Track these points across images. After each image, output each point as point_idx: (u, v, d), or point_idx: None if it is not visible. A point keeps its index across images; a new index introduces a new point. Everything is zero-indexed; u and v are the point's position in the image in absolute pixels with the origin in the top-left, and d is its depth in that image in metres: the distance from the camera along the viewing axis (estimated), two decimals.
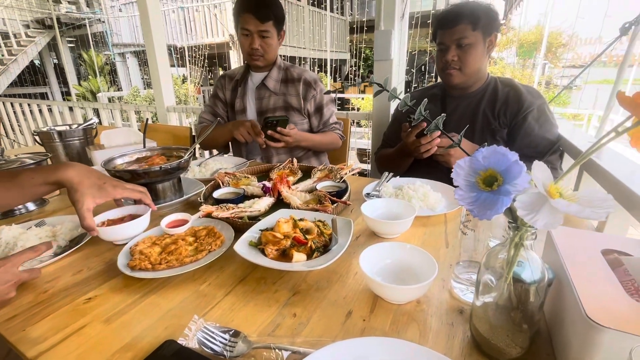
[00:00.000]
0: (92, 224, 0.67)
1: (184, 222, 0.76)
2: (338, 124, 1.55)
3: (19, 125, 4.34)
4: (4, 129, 4.26)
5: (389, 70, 1.82)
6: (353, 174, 1.10)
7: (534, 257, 0.39)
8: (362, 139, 4.87)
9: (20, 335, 0.50)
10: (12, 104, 4.25)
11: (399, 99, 0.45)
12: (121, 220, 0.78)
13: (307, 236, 0.66)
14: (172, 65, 7.90)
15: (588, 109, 5.09)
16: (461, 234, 0.55)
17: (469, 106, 1.20)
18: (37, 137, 1.33)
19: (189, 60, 7.99)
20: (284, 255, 0.63)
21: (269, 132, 1.26)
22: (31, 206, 0.98)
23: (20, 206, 0.96)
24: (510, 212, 0.37)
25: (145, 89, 8.89)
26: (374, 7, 1.88)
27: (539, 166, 0.34)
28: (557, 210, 0.31)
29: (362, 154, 3.98)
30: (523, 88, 1.16)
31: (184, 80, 8.35)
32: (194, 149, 1.01)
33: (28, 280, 0.60)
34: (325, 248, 0.65)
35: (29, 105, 4.05)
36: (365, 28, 6.06)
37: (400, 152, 1.20)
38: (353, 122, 2.84)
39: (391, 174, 1.07)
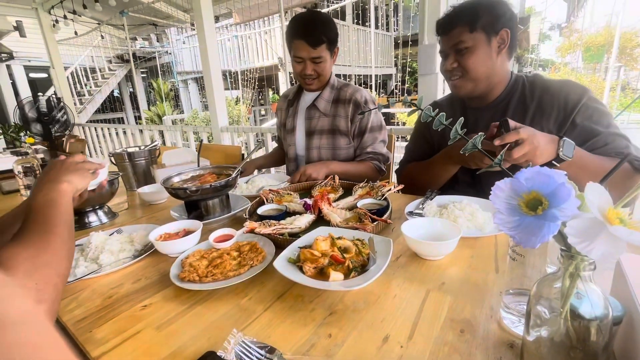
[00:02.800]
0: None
1: (229, 237, 0.80)
2: (379, 155, 1.42)
3: (100, 147, 4.98)
4: (88, 150, 4.91)
5: (434, 84, 1.78)
6: (396, 192, 1.08)
7: (594, 290, 0.35)
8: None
9: (87, 335, 0.56)
10: (95, 128, 4.92)
11: (432, 117, 0.44)
12: (176, 234, 0.86)
13: (345, 255, 0.66)
14: (227, 89, 8.54)
15: None
16: (510, 260, 0.51)
17: (492, 119, 1.03)
18: (112, 158, 1.52)
19: (242, 83, 8.58)
20: (322, 274, 0.63)
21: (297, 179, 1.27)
22: (104, 218, 1.11)
23: (94, 218, 1.10)
24: (562, 239, 0.34)
25: (203, 111, 9.71)
26: (418, 22, 1.86)
27: (594, 188, 0.30)
28: (618, 238, 0.28)
29: None
30: (556, 84, 0.99)
31: (237, 101, 8.95)
32: (242, 168, 1.07)
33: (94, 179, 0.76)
34: (363, 268, 0.65)
35: (108, 129, 4.64)
36: (410, 42, 6.01)
37: (445, 162, 1.07)
38: (399, 138, 2.79)
39: (435, 191, 1.03)
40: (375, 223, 0.84)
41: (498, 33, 0.97)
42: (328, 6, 7.09)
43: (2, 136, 5.16)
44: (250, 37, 8.44)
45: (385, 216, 0.89)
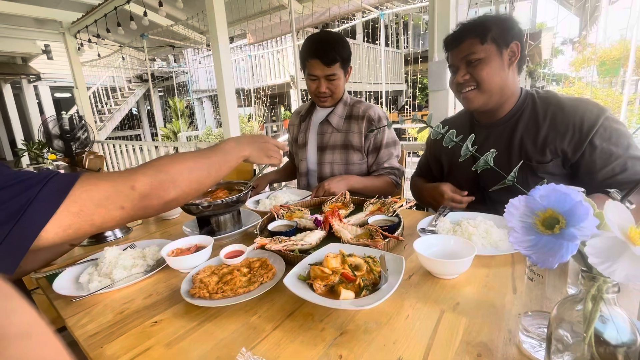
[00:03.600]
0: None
1: (240, 253, 0.80)
2: (395, 169, 1.44)
3: (117, 163, 5.13)
4: (106, 166, 5.07)
5: (445, 100, 1.78)
6: (407, 208, 1.06)
7: (619, 314, 0.33)
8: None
9: (98, 351, 0.56)
10: (113, 145, 5.08)
11: (442, 134, 0.44)
12: (188, 250, 0.86)
13: (355, 273, 0.65)
14: (240, 106, 8.77)
15: None
16: (528, 280, 0.49)
17: (502, 136, 1.03)
18: None
19: (254, 100, 8.78)
20: (332, 292, 0.62)
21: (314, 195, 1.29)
22: (118, 233, 1.13)
23: (109, 233, 1.12)
24: (582, 259, 0.32)
25: (217, 127, 9.94)
26: (428, 39, 1.88)
27: (613, 206, 0.29)
28: None
29: None
30: (572, 102, 0.95)
31: (249, 118, 9.14)
32: (254, 183, 1.08)
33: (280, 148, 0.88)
34: (374, 286, 0.63)
35: (125, 145, 4.80)
36: (420, 59, 6.08)
37: (428, 194, 1.12)
38: (410, 153, 2.78)
39: (448, 208, 1.01)
40: (386, 240, 0.82)
41: (509, 45, 0.97)
42: (339, 26, 7.27)
43: (26, 152, 5.39)
44: (263, 57, 8.70)
45: (397, 233, 0.87)
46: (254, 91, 8.86)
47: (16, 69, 8.33)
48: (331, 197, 1.20)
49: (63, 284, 0.79)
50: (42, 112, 8.93)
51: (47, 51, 7.79)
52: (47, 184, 0.48)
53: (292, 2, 3.57)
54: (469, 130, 1.13)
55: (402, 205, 1.03)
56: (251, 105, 8.99)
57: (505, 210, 0.33)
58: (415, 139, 6.58)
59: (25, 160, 6.58)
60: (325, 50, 1.31)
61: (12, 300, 0.23)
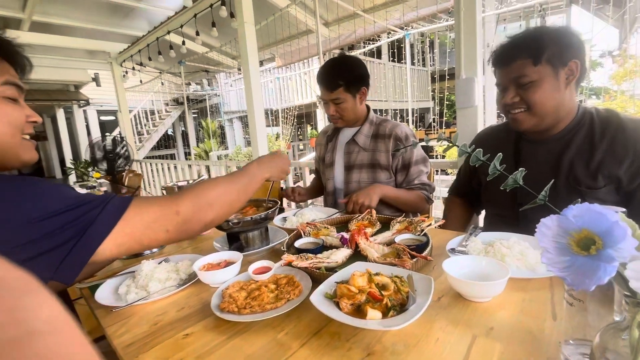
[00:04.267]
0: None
1: (268, 269, 0.82)
2: (427, 186, 1.43)
3: (153, 181, 5.42)
4: (143, 184, 5.37)
5: (473, 117, 1.75)
6: (436, 227, 1.04)
7: None
8: (448, 187, 4.57)
9: None
10: (150, 163, 5.40)
11: (468, 152, 0.44)
12: (218, 265, 0.89)
13: (382, 292, 0.64)
14: (268, 126, 9.06)
15: None
16: (567, 305, 0.46)
17: (550, 154, 0.95)
18: (164, 191, 1.65)
19: (282, 120, 9.05)
20: (359, 311, 0.62)
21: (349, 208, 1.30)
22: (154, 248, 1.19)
23: None
24: (624, 282, 0.31)
25: (246, 146, 10.29)
26: (455, 57, 1.89)
27: None
28: None
29: None
30: (633, 125, 0.86)
31: (277, 137, 9.40)
32: (280, 201, 1.11)
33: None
34: (402, 307, 0.62)
35: (161, 164, 5.07)
36: (447, 76, 6.03)
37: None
38: (438, 171, 2.72)
39: (479, 227, 0.98)
40: (414, 260, 0.81)
41: (566, 65, 0.88)
42: (364, 47, 7.43)
43: (74, 171, 5.84)
44: (290, 78, 9.02)
45: (425, 253, 0.85)
46: (282, 111, 9.14)
47: (69, 95, 9.19)
48: (357, 215, 1.20)
49: (104, 294, 0.84)
50: (89, 133, 9.71)
51: (96, 79, 8.57)
52: (106, 206, 0.55)
53: (319, 26, 3.71)
54: (514, 144, 1.07)
55: (430, 224, 1.01)
56: (279, 125, 9.26)
57: (536, 230, 0.32)
58: (444, 157, 6.44)
59: (72, 178, 7.12)
60: (326, 76, 1.39)
61: (38, 294, 0.23)
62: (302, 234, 1.08)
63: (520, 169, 0.41)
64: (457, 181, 1.33)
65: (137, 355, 0.60)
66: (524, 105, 0.93)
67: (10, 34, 0.66)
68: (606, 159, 0.87)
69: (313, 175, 1.85)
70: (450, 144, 0.48)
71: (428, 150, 7.69)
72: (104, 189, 2.75)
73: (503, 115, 1.03)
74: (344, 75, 1.38)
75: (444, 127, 9.36)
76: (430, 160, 1.90)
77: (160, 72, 7.58)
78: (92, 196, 0.57)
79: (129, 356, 0.60)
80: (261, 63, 8.48)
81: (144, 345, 0.63)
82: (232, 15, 3.35)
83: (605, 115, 0.93)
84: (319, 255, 0.88)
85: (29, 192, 0.51)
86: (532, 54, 0.89)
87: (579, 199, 0.28)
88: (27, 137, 0.67)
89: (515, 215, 1.01)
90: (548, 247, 0.31)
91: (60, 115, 9.87)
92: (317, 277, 0.78)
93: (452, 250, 0.89)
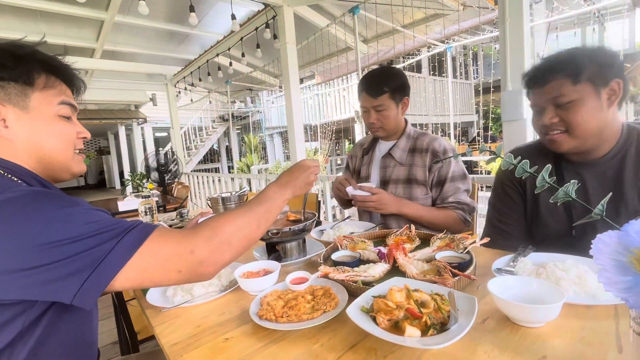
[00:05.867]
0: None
1: (304, 280, 0.83)
2: (464, 204, 1.34)
3: (199, 192, 5.75)
4: (190, 195, 5.71)
5: (521, 130, 1.66)
6: (480, 245, 0.98)
7: None
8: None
9: (179, 359, 0.62)
10: (196, 176, 5.75)
11: (514, 164, 0.42)
12: (257, 273, 0.92)
13: (422, 309, 0.62)
14: (307, 141, 9.25)
15: None
16: (634, 335, 0.41)
17: (604, 177, 0.90)
18: (209, 202, 1.75)
19: (320, 135, 9.21)
20: (396, 327, 0.60)
21: (351, 195, 1.29)
22: None
23: None
24: None
25: (285, 161, 10.58)
26: (500, 69, 1.81)
27: None
28: None
29: None
30: None
31: (315, 152, 9.56)
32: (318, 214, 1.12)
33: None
34: (442, 326, 0.59)
35: (206, 177, 5.38)
36: (492, 89, 5.78)
37: None
38: (483, 187, 2.59)
39: (530, 247, 0.91)
40: (456, 278, 0.77)
41: (608, 84, 0.85)
42: (404, 61, 7.39)
43: (130, 182, 6.40)
44: (329, 94, 9.21)
45: (468, 271, 0.81)
46: (320, 126, 9.32)
47: (130, 114, 10.21)
48: (395, 230, 1.18)
49: (154, 295, 0.90)
50: (145, 148, 10.63)
51: (153, 99, 9.45)
52: (124, 238, 0.55)
53: (358, 43, 3.79)
54: (555, 164, 1.00)
55: (474, 242, 0.95)
56: (317, 140, 9.42)
57: (592, 246, 0.30)
58: (489, 172, 6.08)
59: (129, 189, 7.79)
60: (371, 83, 1.39)
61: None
62: (339, 246, 1.08)
63: (572, 180, 0.38)
64: (499, 214, 1.12)
65: (182, 355, 0.63)
66: (563, 126, 0.89)
67: (84, 61, 0.75)
68: None
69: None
70: (494, 156, 0.46)
71: (472, 165, 7.32)
72: (155, 199, 2.98)
73: (540, 137, 0.98)
74: (389, 82, 1.38)
75: (489, 141, 8.89)
76: (475, 176, 1.80)
77: (208, 92, 8.16)
78: (113, 224, 0.56)
79: (174, 355, 0.64)
80: (301, 80, 8.77)
81: (187, 346, 0.66)
82: (275, 36, 3.54)
83: None
84: (355, 269, 0.88)
85: (39, 217, 0.52)
86: (570, 73, 0.86)
87: None
88: (77, 151, 0.73)
89: (570, 231, 0.93)
90: (605, 265, 0.28)
91: (122, 132, 10.97)
92: (353, 291, 0.77)
93: (499, 270, 0.83)
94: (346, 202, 1.50)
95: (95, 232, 0.53)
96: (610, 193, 0.48)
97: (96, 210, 0.58)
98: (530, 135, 1.66)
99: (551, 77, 0.88)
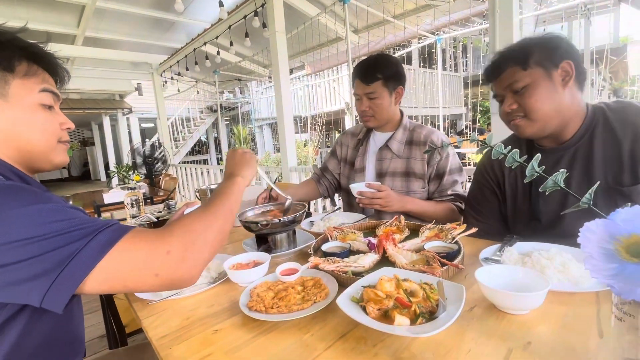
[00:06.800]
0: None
1: (295, 271, 0.82)
2: (461, 197, 1.36)
3: (187, 184, 5.67)
4: (178, 187, 5.63)
5: None
6: (468, 235, 1.00)
7: None
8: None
9: (167, 352, 0.61)
10: (184, 168, 5.66)
11: (504, 153, 0.42)
12: (247, 265, 0.91)
13: (411, 299, 0.63)
14: (297, 132, 9.20)
15: None
16: (615, 320, 0.43)
17: (575, 159, 0.93)
18: (197, 193, 1.73)
19: (310, 126, 9.16)
20: (386, 317, 0.61)
21: (358, 192, 1.25)
22: None
23: None
24: None
25: (275, 152, 10.51)
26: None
27: None
28: None
29: None
30: None
31: (305, 144, 9.51)
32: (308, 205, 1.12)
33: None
34: (431, 315, 0.60)
35: (194, 169, 5.31)
36: (481, 81, 5.84)
37: None
38: (470, 179, 2.62)
39: (515, 236, 0.93)
40: (445, 268, 0.78)
41: (559, 66, 0.89)
42: (394, 53, 7.37)
43: (116, 174, 6.25)
44: (319, 85, 9.13)
45: (456, 261, 0.82)
46: (310, 118, 9.26)
47: (114, 103, 9.92)
48: (385, 221, 1.19)
49: None
50: (131, 140, 10.39)
51: (138, 89, 9.19)
52: (96, 236, 0.51)
53: (348, 33, 3.75)
54: (527, 153, 1.04)
55: (462, 232, 0.97)
56: (307, 132, 9.37)
57: (579, 235, 0.30)
58: (476, 164, 6.19)
59: (115, 181, 7.63)
60: (365, 69, 1.36)
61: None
62: (329, 237, 1.08)
63: (561, 170, 0.39)
64: (476, 202, 1.19)
65: (170, 347, 0.63)
66: (521, 111, 0.93)
67: (65, 48, 0.72)
68: (637, 148, 0.84)
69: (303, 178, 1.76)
70: (485, 146, 0.46)
71: (460, 157, 7.43)
72: (142, 191, 2.92)
73: (507, 125, 1.03)
74: (383, 69, 1.35)
75: (476, 133, 9.02)
76: (465, 168, 1.83)
77: (196, 82, 7.98)
78: (85, 222, 0.52)
79: (162, 347, 0.63)
80: (291, 71, 8.67)
81: (176, 338, 0.66)
82: (264, 25, 3.46)
83: (619, 106, 0.91)
84: (345, 260, 0.88)
85: (3, 214, 0.48)
86: (519, 61, 0.91)
87: (628, 203, 0.26)
88: (61, 142, 0.70)
89: (555, 220, 0.95)
90: (592, 252, 0.29)
91: (106, 122, 10.67)
92: (343, 281, 0.77)
93: (486, 259, 0.85)
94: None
95: (65, 231, 0.50)
96: (598, 182, 0.48)
97: (70, 208, 0.54)
98: None
99: (504, 66, 0.93)
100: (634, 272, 0.26)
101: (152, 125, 12.07)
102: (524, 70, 0.90)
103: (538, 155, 0.40)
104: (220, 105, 10.53)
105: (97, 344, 1.97)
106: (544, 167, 0.39)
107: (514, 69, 0.92)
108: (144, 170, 4.58)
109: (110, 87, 9.16)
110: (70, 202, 0.67)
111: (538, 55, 0.90)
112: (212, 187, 1.69)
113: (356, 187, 1.28)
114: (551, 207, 0.96)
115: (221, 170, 4.77)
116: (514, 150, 0.43)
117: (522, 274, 0.70)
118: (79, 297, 0.55)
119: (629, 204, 0.30)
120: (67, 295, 0.49)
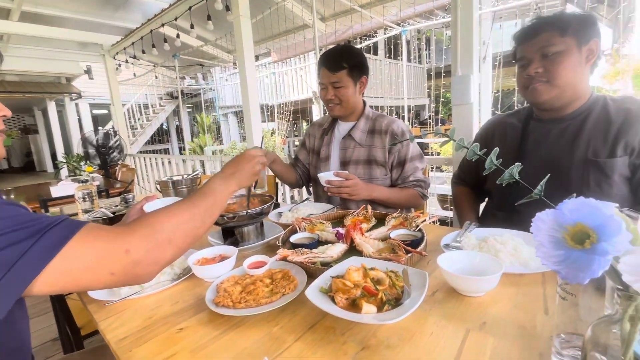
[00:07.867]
0: None
1: (263, 264, 0.81)
2: (422, 182, 1.43)
3: (147, 175, 5.37)
4: (137, 178, 5.31)
5: (469, 114, 1.76)
6: (431, 223, 1.05)
7: None
8: (443, 184, 4.59)
9: (127, 355, 0.58)
10: (144, 158, 5.34)
11: (466, 148, 0.44)
12: (213, 259, 0.89)
13: (377, 287, 0.65)
14: (263, 121, 9.00)
15: None
16: (559, 299, 0.47)
17: (566, 132, 0.99)
18: (158, 185, 1.64)
19: (277, 115, 9.01)
20: (354, 305, 0.62)
21: (326, 181, 1.27)
22: None
23: None
24: (617, 276, 0.31)
25: (241, 142, 10.23)
26: (451, 54, 1.89)
27: None
28: None
29: (443, 200, 3.73)
30: None
31: (272, 133, 9.36)
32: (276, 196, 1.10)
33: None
34: (397, 301, 0.62)
35: (155, 159, 5.02)
36: (443, 73, 6.06)
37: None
38: (433, 168, 2.74)
39: (474, 223, 0.99)
40: (409, 255, 0.81)
41: (588, 42, 0.94)
42: (361, 43, 7.40)
43: (66, 165, 5.76)
44: (286, 73, 8.96)
45: (420, 248, 0.86)
46: (277, 107, 9.09)
47: (60, 88, 9.04)
48: (353, 211, 1.21)
49: None
50: (81, 127, 9.57)
51: (88, 72, 8.42)
52: (44, 235, 0.47)
53: (315, 21, 3.69)
54: (522, 126, 1.11)
55: (425, 220, 1.01)
56: (274, 120, 9.21)
57: (532, 224, 0.32)
58: (439, 154, 6.47)
59: (64, 172, 7.03)
60: (331, 57, 1.39)
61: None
62: (298, 229, 1.08)
63: (517, 163, 0.41)
64: (461, 170, 1.35)
65: (131, 350, 0.60)
66: (545, 76, 0.97)
67: None
68: (622, 129, 0.91)
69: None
70: (447, 139, 0.48)
71: (423, 147, 7.71)
72: (96, 183, 2.72)
73: (520, 92, 1.06)
74: (348, 58, 1.38)
75: (439, 124, 9.39)
76: (426, 157, 1.91)
77: (154, 66, 7.48)
78: (30, 220, 0.47)
79: (122, 350, 0.60)
80: (257, 57, 8.40)
81: (137, 340, 0.62)
82: (227, 8, 3.30)
83: (621, 99, 0.98)
84: (314, 250, 0.88)
85: None
86: (558, 27, 0.94)
87: (597, 172, 0.27)
88: None
89: (510, 211, 1.02)
90: (543, 241, 0.31)
91: (52, 108, 9.71)
92: (312, 272, 0.78)
93: (447, 245, 0.89)
94: None
95: (6, 231, 0.45)
96: (548, 175, 0.52)
97: (9, 205, 0.49)
98: (477, 119, 1.77)
99: (542, 29, 0.96)
100: (578, 258, 0.28)
101: (105, 111, 11.20)
102: (561, 37, 0.93)
103: (496, 149, 0.42)
104: (182, 91, 10.00)
105: (49, 348, 1.84)
106: (501, 160, 0.42)
107: (551, 33, 0.95)
108: (97, 161, 4.25)
109: (55, 69, 8.30)
110: (12, 197, 0.60)
111: (576, 27, 0.93)
112: (175, 178, 1.61)
113: (324, 177, 1.29)
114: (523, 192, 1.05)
115: (184, 161, 4.56)
116: (475, 144, 0.45)
117: (479, 258, 0.75)
118: (21, 298, 0.49)
119: (574, 194, 0.32)
120: (11, 300, 0.45)
